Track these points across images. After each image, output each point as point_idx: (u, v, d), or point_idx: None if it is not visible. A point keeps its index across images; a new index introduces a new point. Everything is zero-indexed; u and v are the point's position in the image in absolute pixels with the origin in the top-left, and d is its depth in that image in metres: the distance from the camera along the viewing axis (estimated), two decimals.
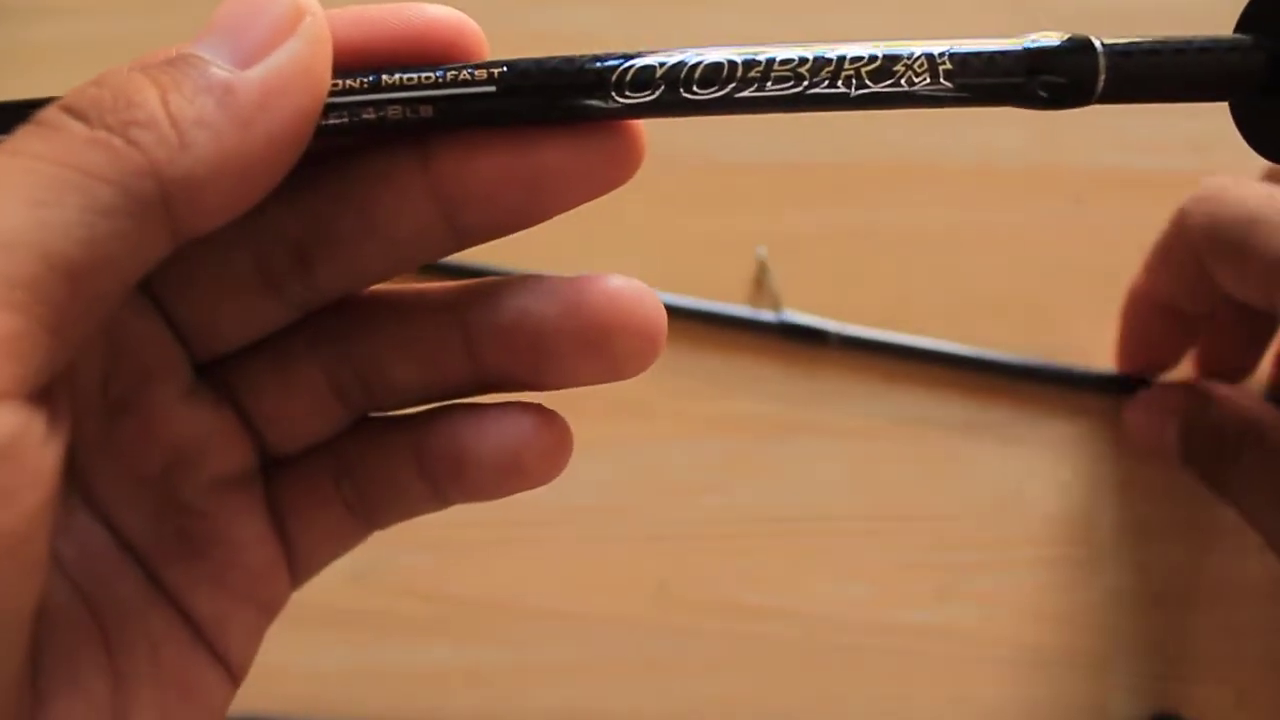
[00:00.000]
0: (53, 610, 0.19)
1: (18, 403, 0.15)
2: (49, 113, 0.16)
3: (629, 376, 0.20)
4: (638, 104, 0.18)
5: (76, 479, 0.20)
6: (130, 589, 0.20)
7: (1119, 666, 0.39)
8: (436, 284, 0.21)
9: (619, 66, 0.18)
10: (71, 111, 0.16)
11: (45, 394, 0.16)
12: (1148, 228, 0.37)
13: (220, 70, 0.17)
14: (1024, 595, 0.40)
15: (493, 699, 0.39)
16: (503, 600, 0.40)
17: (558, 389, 0.21)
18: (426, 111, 0.18)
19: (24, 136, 0.16)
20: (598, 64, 0.18)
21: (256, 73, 0.17)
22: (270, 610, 0.22)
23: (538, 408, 0.21)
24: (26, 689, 0.17)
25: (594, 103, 0.18)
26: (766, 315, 0.40)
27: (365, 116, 0.18)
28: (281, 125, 0.17)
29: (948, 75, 0.17)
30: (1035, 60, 0.17)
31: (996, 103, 0.18)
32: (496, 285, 0.21)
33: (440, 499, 0.22)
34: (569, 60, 0.18)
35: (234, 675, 0.21)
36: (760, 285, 0.41)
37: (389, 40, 0.19)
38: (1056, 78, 0.17)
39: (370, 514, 0.22)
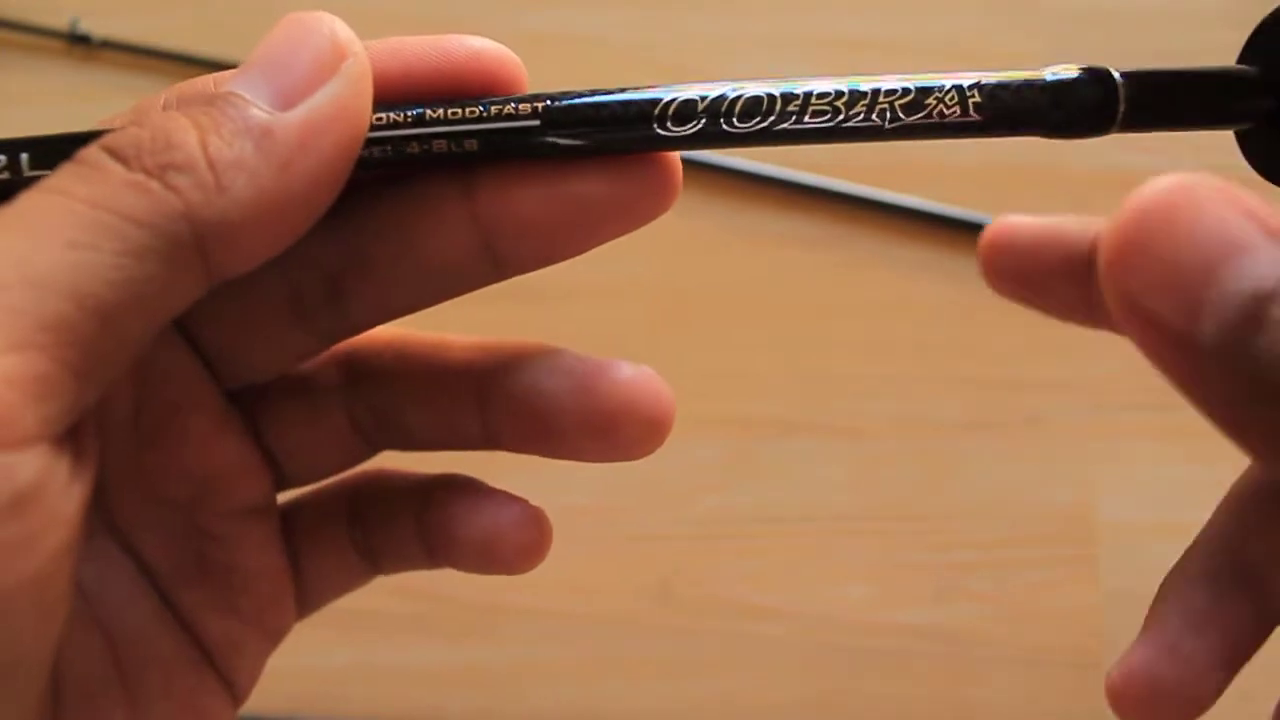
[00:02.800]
0: (71, 636, 0.19)
1: (43, 446, 0.15)
2: (90, 151, 0.16)
3: (633, 459, 0.20)
4: (680, 136, 0.18)
5: (101, 504, 0.20)
6: (145, 613, 0.20)
7: None
8: (459, 339, 0.22)
9: (662, 100, 0.18)
10: (112, 152, 0.16)
11: (71, 434, 0.16)
12: None
13: (260, 111, 0.17)
14: (1024, 595, 0.40)
15: (492, 699, 0.39)
16: (503, 600, 0.40)
17: (563, 459, 0.21)
18: (471, 145, 0.18)
19: (65, 175, 0.16)
20: (641, 97, 0.18)
21: (296, 115, 0.17)
22: (275, 638, 0.22)
23: (522, 504, 0.22)
24: (48, 717, 0.18)
25: (637, 136, 0.18)
26: None
27: (409, 150, 0.18)
28: (320, 167, 0.17)
29: (977, 107, 0.18)
30: (1059, 92, 0.18)
31: (1022, 132, 0.18)
32: (516, 353, 0.21)
33: (434, 562, 0.22)
34: (612, 93, 0.18)
35: (237, 699, 0.22)
36: None
37: (430, 72, 0.19)
38: (1078, 109, 0.18)
39: (375, 560, 0.23)
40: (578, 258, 0.20)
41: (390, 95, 0.18)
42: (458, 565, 0.22)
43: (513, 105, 0.18)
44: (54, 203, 0.16)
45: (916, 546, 0.40)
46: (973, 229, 0.43)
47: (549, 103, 0.18)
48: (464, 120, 0.18)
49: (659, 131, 0.18)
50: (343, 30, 0.17)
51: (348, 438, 0.22)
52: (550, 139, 0.18)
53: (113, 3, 0.47)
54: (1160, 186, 0.14)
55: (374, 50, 0.18)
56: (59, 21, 0.47)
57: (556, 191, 0.19)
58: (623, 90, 0.18)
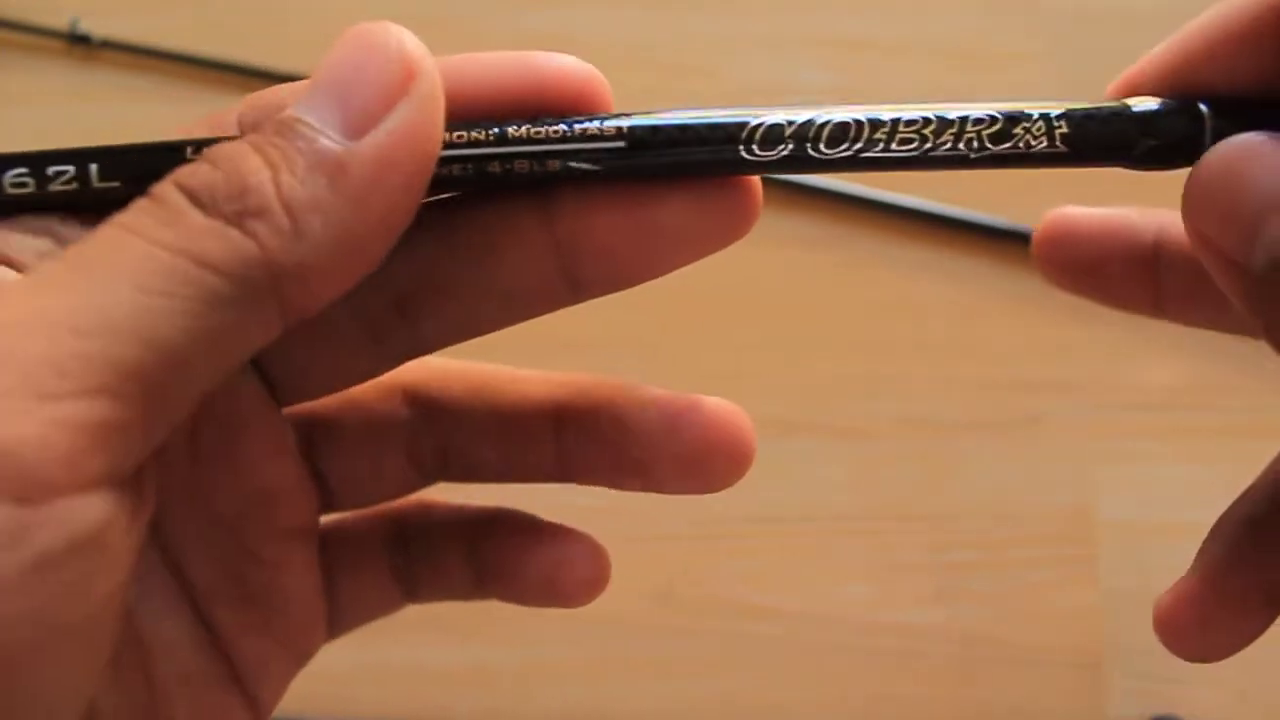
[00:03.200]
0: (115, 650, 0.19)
1: (106, 491, 0.15)
2: (168, 191, 0.16)
3: (715, 491, 0.21)
4: (766, 161, 0.18)
5: (153, 520, 0.20)
6: (180, 628, 0.20)
7: (1119, 667, 0.39)
8: (531, 374, 0.22)
9: (749, 124, 0.18)
10: (190, 194, 0.16)
11: (135, 476, 0.16)
12: None
13: (330, 143, 0.16)
14: (1024, 595, 0.40)
15: (495, 699, 0.39)
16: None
17: (642, 492, 0.21)
18: (554, 166, 0.18)
19: (141, 214, 0.16)
20: (728, 120, 0.18)
21: (369, 146, 0.16)
22: (303, 659, 0.22)
23: (589, 541, 0.22)
24: None
25: (722, 159, 0.18)
26: None
27: (490, 170, 0.18)
28: (395, 198, 0.16)
29: (1064, 138, 0.18)
30: (1147, 123, 0.18)
31: (1108, 162, 0.18)
32: (597, 389, 0.21)
33: (481, 593, 0.23)
34: (698, 114, 0.18)
35: (260, 717, 0.21)
36: None
37: (514, 90, 0.18)
38: (1167, 139, 0.18)
39: (414, 588, 0.23)
40: None
41: (470, 112, 0.18)
42: (513, 599, 0.22)
43: (597, 125, 0.18)
44: (132, 245, 0.16)
45: (916, 546, 0.40)
46: (973, 229, 0.43)
47: (634, 124, 0.18)
48: (547, 140, 0.18)
49: (744, 155, 0.18)
50: (412, 45, 0.17)
51: (404, 469, 0.22)
52: (633, 160, 0.18)
53: (113, 3, 0.47)
54: (1228, 145, 0.17)
55: (456, 65, 0.18)
56: (59, 21, 0.47)
57: (641, 218, 0.19)
58: (707, 111, 0.18)
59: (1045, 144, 0.18)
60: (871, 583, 0.40)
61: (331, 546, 0.22)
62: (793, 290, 0.43)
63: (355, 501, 0.22)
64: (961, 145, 0.18)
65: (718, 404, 0.21)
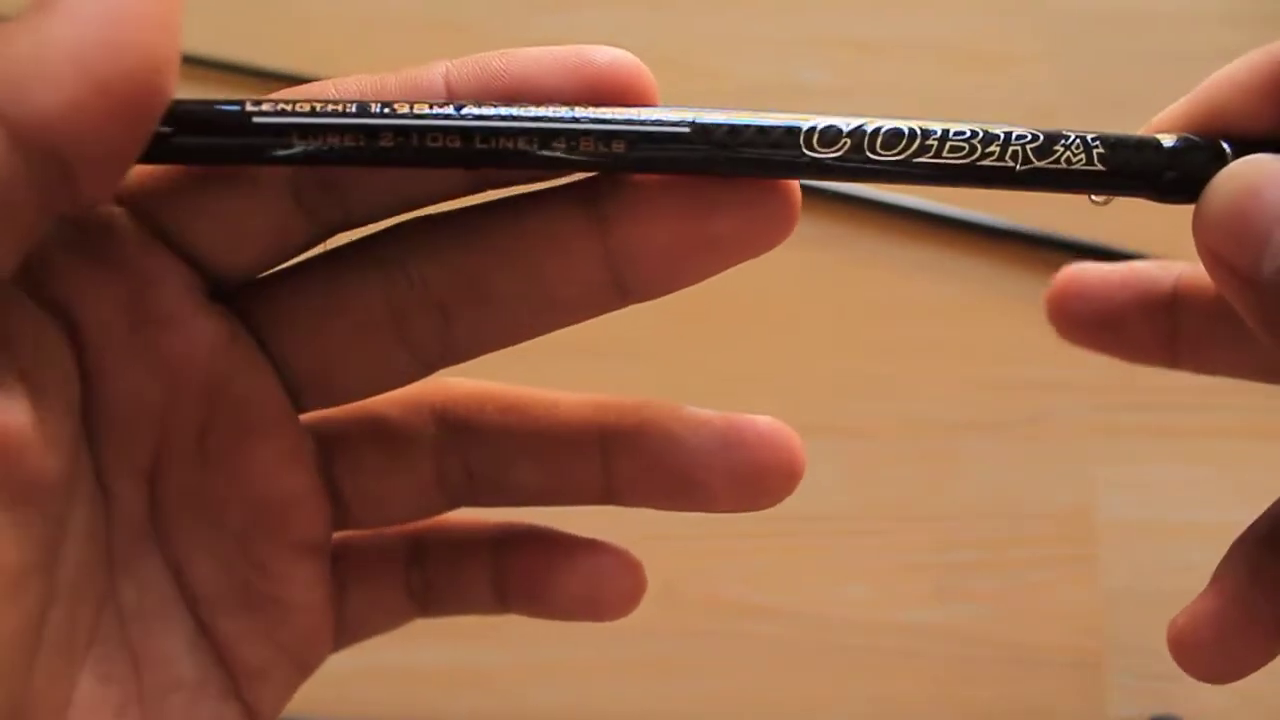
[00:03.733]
0: (97, 654, 0.19)
1: None
2: None
3: (767, 508, 0.21)
4: (824, 160, 0.18)
5: (155, 522, 0.20)
6: (178, 637, 0.20)
7: (1119, 666, 0.39)
8: (568, 395, 0.22)
9: (801, 128, 0.18)
10: None
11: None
12: (1160, 230, 0.37)
13: None
14: (1024, 595, 0.40)
15: (493, 699, 0.39)
16: None
17: (690, 512, 0.22)
18: (619, 148, 0.18)
19: None
20: (787, 124, 0.18)
21: None
22: (307, 670, 0.22)
23: (623, 554, 0.22)
24: None
25: (784, 159, 0.18)
26: None
27: (553, 146, 0.18)
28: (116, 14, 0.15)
29: (1101, 158, 0.18)
30: (1174, 156, 0.19)
31: (1136, 189, 0.19)
32: (642, 411, 0.21)
33: (503, 608, 0.23)
34: (755, 115, 0.18)
35: None
36: None
37: (568, 81, 0.18)
38: (1189, 174, 0.19)
39: (429, 603, 0.23)
40: None
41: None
42: (542, 614, 0.23)
43: (666, 117, 0.18)
44: None
45: (916, 546, 0.40)
46: (973, 229, 0.43)
47: (704, 120, 0.18)
48: (614, 121, 0.18)
49: (805, 154, 0.18)
50: None
51: (429, 490, 0.22)
52: (700, 150, 0.18)
53: None
54: (1240, 163, 0.18)
55: (505, 57, 0.18)
56: None
57: (696, 225, 0.19)
58: (761, 112, 0.18)
59: (1084, 161, 0.18)
60: (871, 583, 0.40)
61: (344, 558, 0.22)
62: (793, 290, 0.43)
63: (373, 520, 0.22)
64: (1008, 157, 0.18)
65: (769, 422, 0.21)
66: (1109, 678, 0.39)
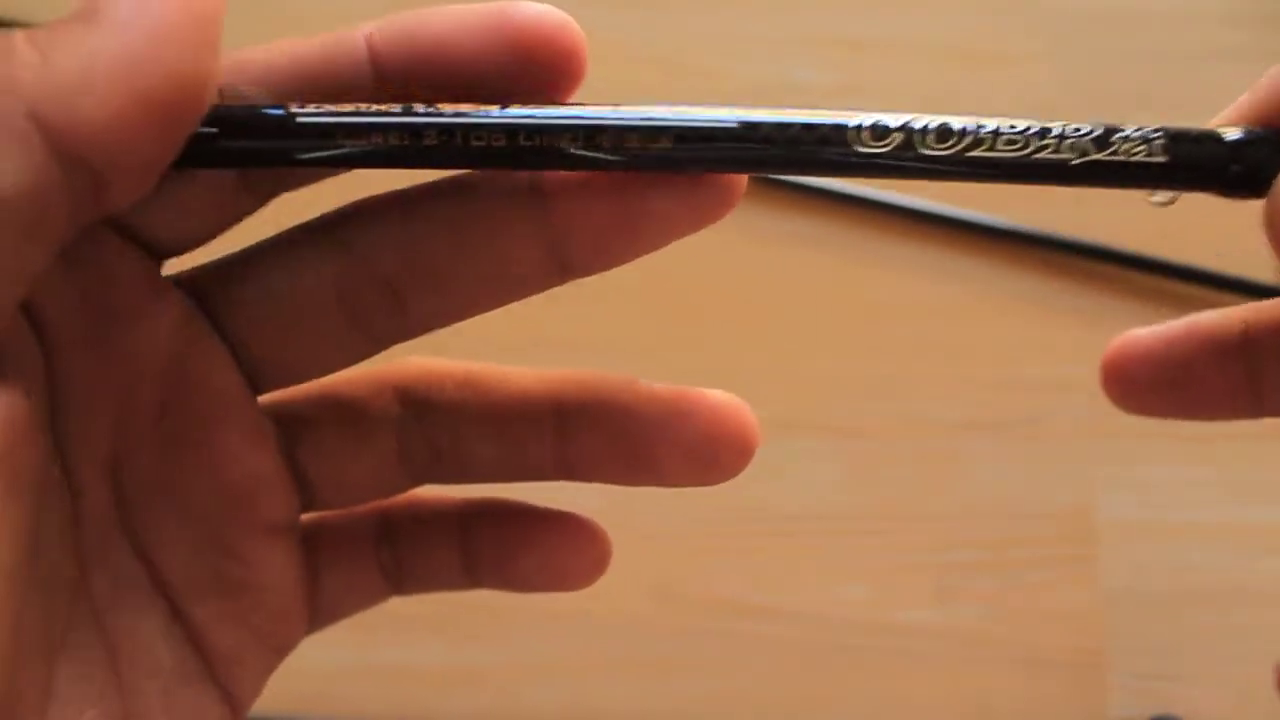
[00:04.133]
0: (73, 646, 0.19)
1: None
2: None
3: (722, 482, 0.21)
4: (876, 153, 0.18)
5: (121, 510, 0.20)
6: (152, 623, 0.20)
7: (1119, 666, 0.39)
8: (521, 371, 0.22)
9: (847, 125, 0.18)
10: None
11: None
12: (1159, 230, 0.37)
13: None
14: (1024, 595, 0.40)
15: (492, 699, 0.39)
16: (502, 601, 0.39)
17: (642, 486, 0.21)
18: (665, 144, 0.18)
19: None
20: (835, 121, 0.18)
21: None
22: (282, 653, 0.22)
23: (588, 524, 0.22)
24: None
25: (832, 154, 0.18)
26: None
27: (598, 141, 0.18)
28: (165, 33, 0.15)
29: (1164, 148, 0.18)
30: (1237, 148, 0.18)
31: (1200, 183, 0.18)
32: (596, 385, 0.21)
33: (473, 582, 0.23)
34: (800, 110, 0.18)
35: (237, 712, 0.21)
36: None
37: (490, 41, 0.18)
38: (1256, 166, 0.18)
39: (401, 581, 0.23)
40: None
41: (444, 65, 0.18)
42: (510, 587, 0.22)
43: (710, 111, 0.18)
44: None
45: (916, 546, 0.40)
46: (973, 229, 0.43)
47: (755, 118, 0.18)
48: (659, 118, 0.18)
49: (855, 147, 0.18)
50: None
51: (393, 469, 0.22)
52: (749, 148, 0.18)
53: None
54: None
55: (430, 17, 0.18)
56: None
57: (634, 203, 0.19)
58: (808, 110, 0.18)
59: (1145, 153, 0.18)
60: (871, 583, 0.40)
61: (314, 538, 0.22)
62: (793, 290, 0.43)
63: (339, 501, 0.22)
64: (1064, 150, 0.18)
65: (721, 395, 0.21)
66: (1109, 678, 0.39)
